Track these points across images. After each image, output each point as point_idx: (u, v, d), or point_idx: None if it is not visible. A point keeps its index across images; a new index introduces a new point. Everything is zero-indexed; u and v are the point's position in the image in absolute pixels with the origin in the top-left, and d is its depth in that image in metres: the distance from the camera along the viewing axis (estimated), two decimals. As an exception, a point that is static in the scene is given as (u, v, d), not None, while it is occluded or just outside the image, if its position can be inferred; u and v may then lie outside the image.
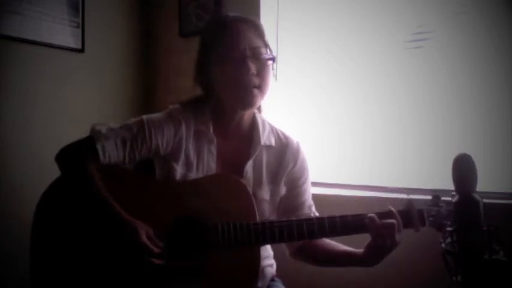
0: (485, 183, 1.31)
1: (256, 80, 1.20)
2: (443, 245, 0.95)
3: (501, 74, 1.72)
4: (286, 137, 1.35)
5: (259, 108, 1.34)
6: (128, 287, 1.15)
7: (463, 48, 1.81)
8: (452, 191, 0.97)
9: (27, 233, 1.19)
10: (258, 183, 1.27)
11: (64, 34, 2.33)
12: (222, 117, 1.28)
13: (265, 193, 1.27)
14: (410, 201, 1.16)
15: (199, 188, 1.20)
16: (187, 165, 1.24)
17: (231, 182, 1.21)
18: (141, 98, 2.73)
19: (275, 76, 1.27)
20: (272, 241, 1.19)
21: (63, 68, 2.35)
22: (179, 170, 1.22)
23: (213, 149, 1.25)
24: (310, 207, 1.35)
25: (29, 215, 1.20)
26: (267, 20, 2.21)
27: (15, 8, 2.14)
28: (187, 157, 1.24)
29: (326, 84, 2.18)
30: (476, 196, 0.92)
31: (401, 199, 1.19)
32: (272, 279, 1.37)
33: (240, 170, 1.26)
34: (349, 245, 1.25)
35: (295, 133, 1.38)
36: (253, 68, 1.19)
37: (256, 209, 1.18)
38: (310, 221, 1.18)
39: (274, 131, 1.35)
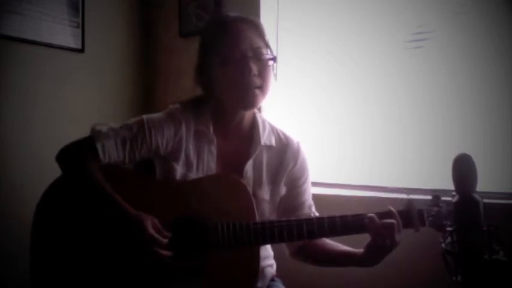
0: (485, 183, 1.31)
1: (257, 81, 1.20)
2: (443, 245, 0.95)
3: (501, 74, 1.72)
4: (286, 137, 1.35)
5: (259, 108, 1.34)
6: (128, 286, 1.15)
7: (463, 48, 1.81)
8: (452, 191, 0.97)
9: (27, 233, 1.19)
10: (258, 183, 1.27)
11: (64, 34, 2.33)
12: (223, 117, 1.28)
13: (265, 193, 1.27)
14: (410, 201, 1.16)
15: (199, 188, 1.20)
16: (188, 165, 1.24)
17: (231, 182, 1.21)
18: (141, 98, 2.73)
19: (275, 76, 1.27)
20: (272, 241, 1.19)
21: (63, 68, 2.35)
22: (179, 170, 1.22)
23: (213, 149, 1.25)
24: (310, 207, 1.35)
25: (29, 215, 1.20)
26: (267, 20, 2.21)
27: (15, 8, 2.14)
28: (187, 157, 1.24)
29: (326, 84, 2.18)
30: (476, 196, 0.92)
31: (401, 199, 1.19)
32: (272, 279, 1.37)
33: (240, 170, 1.26)
34: (349, 245, 1.25)
35: (295, 133, 1.38)
36: (254, 68, 1.19)
37: (256, 209, 1.18)
38: (310, 221, 1.18)
39: (274, 131, 1.35)
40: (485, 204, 0.92)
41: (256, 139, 1.28)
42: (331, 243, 1.29)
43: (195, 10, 2.52)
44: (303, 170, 1.34)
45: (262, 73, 1.21)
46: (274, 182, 1.30)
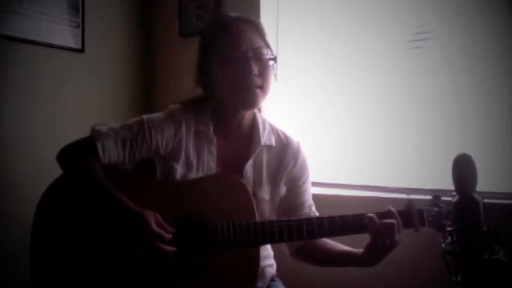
0: (485, 183, 1.30)
1: (258, 81, 1.20)
2: (443, 245, 0.95)
3: (501, 74, 1.72)
4: (286, 137, 1.35)
5: (259, 108, 1.34)
6: (128, 286, 1.15)
7: (463, 48, 1.81)
8: (452, 191, 0.97)
9: (27, 233, 1.19)
10: (258, 183, 1.27)
11: (64, 34, 2.33)
12: (223, 118, 1.28)
13: (265, 193, 1.27)
14: (410, 201, 1.16)
15: (199, 188, 1.20)
16: (188, 165, 1.24)
17: (230, 182, 1.21)
18: (141, 98, 2.73)
19: (275, 76, 1.27)
20: (272, 241, 1.19)
21: (63, 68, 2.35)
22: (179, 170, 1.23)
23: (213, 149, 1.25)
24: (310, 207, 1.35)
25: (29, 215, 1.20)
26: (267, 20, 2.21)
27: (15, 8, 2.14)
28: (187, 157, 1.24)
29: (326, 84, 2.18)
30: (476, 196, 0.92)
31: (401, 199, 1.19)
32: (272, 279, 1.37)
33: (240, 170, 1.26)
34: (349, 245, 1.25)
35: (295, 133, 1.38)
36: (255, 68, 1.19)
37: (255, 209, 1.18)
38: (310, 221, 1.18)
39: (274, 130, 1.35)
40: (485, 204, 0.92)
41: (256, 139, 1.28)
42: (331, 243, 1.29)
43: (195, 10, 2.52)
44: (303, 170, 1.34)
45: (263, 73, 1.21)
46: (274, 182, 1.30)
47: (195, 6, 2.52)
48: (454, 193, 0.96)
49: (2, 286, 2.04)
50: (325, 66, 2.18)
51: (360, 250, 1.18)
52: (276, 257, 1.40)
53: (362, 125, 2.07)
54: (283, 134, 1.36)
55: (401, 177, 1.93)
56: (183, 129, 1.24)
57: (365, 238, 1.15)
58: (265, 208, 1.27)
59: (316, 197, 1.39)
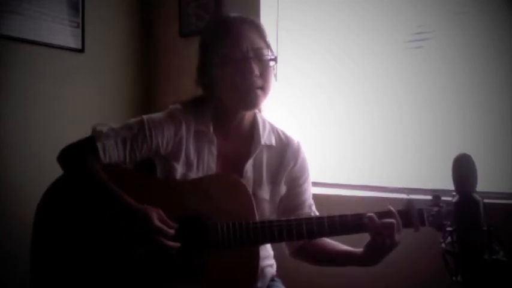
0: (485, 183, 1.31)
1: (259, 81, 1.20)
2: (443, 245, 0.95)
3: (501, 74, 1.72)
4: (286, 137, 1.35)
5: (259, 108, 1.34)
6: (128, 286, 1.15)
7: (463, 48, 1.81)
8: (452, 191, 0.97)
9: (27, 233, 1.19)
10: (258, 182, 1.27)
11: (64, 34, 2.34)
12: (223, 118, 1.28)
13: (265, 193, 1.27)
14: (410, 201, 1.16)
15: (200, 188, 1.20)
16: (188, 164, 1.24)
17: (231, 182, 1.21)
18: (141, 98, 2.73)
19: (275, 76, 1.27)
20: (271, 240, 1.19)
21: (63, 68, 2.35)
22: (179, 170, 1.23)
23: (213, 149, 1.26)
24: (310, 207, 1.35)
25: (29, 215, 1.21)
26: (267, 20, 2.21)
27: (15, 8, 2.14)
28: (187, 157, 1.24)
29: (326, 84, 2.18)
30: (476, 196, 0.92)
31: (401, 199, 1.19)
32: (272, 279, 1.37)
33: (240, 169, 1.26)
34: (349, 245, 1.25)
35: (295, 133, 1.38)
36: (256, 69, 1.19)
37: (255, 209, 1.18)
38: (310, 220, 1.18)
39: (274, 130, 1.35)
40: (485, 204, 0.92)
41: (256, 139, 1.28)
42: (331, 242, 1.29)
43: (195, 10, 2.52)
44: (303, 170, 1.34)
45: (264, 74, 1.21)
46: (274, 182, 1.30)
47: (195, 6, 2.52)
48: (454, 193, 0.96)
49: (2, 286, 2.04)
50: (325, 66, 2.18)
51: (360, 250, 1.18)
52: (276, 257, 1.40)
53: (362, 125, 2.07)
54: (284, 133, 1.36)
55: (401, 177, 1.93)
56: (183, 129, 1.24)
57: (365, 238, 1.15)
58: (265, 208, 1.27)
59: (316, 197, 1.39)
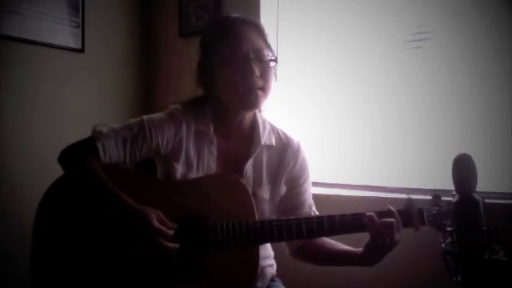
0: (485, 183, 1.30)
1: (259, 82, 1.20)
2: (443, 245, 0.95)
3: (501, 74, 1.72)
4: (286, 137, 1.35)
5: (259, 109, 1.34)
6: (129, 286, 1.15)
7: (463, 48, 1.81)
8: (452, 191, 0.97)
9: (27, 233, 1.19)
10: (258, 182, 1.27)
11: (64, 34, 2.34)
12: (224, 118, 1.28)
13: (265, 192, 1.28)
14: (410, 200, 1.16)
15: (200, 188, 1.20)
16: (188, 164, 1.24)
17: (230, 182, 1.21)
18: (141, 98, 2.73)
19: (275, 76, 1.27)
20: (271, 240, 1.19)
21: (63, 68, 2.35)
22: (179, 170, 1.23)
23: (214, 149, 1.26)
24: (310, 207, 1.35)
25: (29, 215, 1.21)
26: (267, 20, 2.21)
27: (15, 8, 2.14)
28: (187, 157, 1.24)
29: (326, 84, 2.18)
30: (476, 196, 0.92)
31: (401, 199, 1.19)
32: (272, 279, 1.37)
33: (240, 169, 1.26)
34: (349, 245, 1.25)
35: (295, 133, 1.38)
36: (256, 70, 1.19)
37: (255, 209, 1.18)
38: (309, 220, 1.18)
39: (274, 130, 1.35)
40: (485, 204, 0.92)
41: (256, 139, 1.28)
42: (331, 242, 1.29)
43: (195, 10, 2.52)
44: (303, 170, 1.34)
45: (264, 75, 1.21)
46: (274, 182, 1.30)
47: (195, 6, 2.52)
48: (454, 193, 0.96)
49: (2, 286, 2.04)
50: (325, 66, 2.18)
51: (360, 249, 1.18)
52: (276, 257, 1.40)
53: (362, 125, 2.07)
54: (284, 133, 1.36)
55: (401, 177, 1.93)
56: (184, 129, 1.24)
57: (365, 237, 1.15)
58: (265, 208, 1.27)
59: (316, 197, 1.39)
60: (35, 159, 2.16)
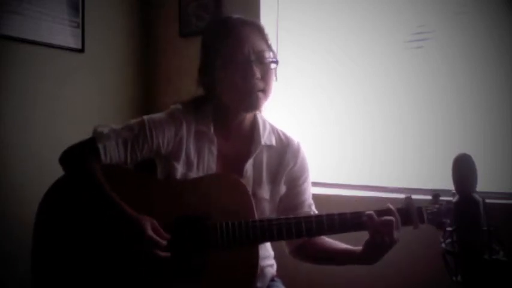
0: (485, 183, 1.31)
1: (260, 84, 1.20)
2: (443, 245, 0.95)
3: (501, 74, 1.72)
4: (286, 137, 1.35)
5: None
6: (129, 286, 1.15)
7: (463, 48, 1.81)
8: (452, 191, 0.97)
9: (27, 233, 1.19)
10: (258, 182, 1.27)
11: (64, 34, 2.34)
12: (224, 118, 1.28)
13: (265, 192, 1.28)
14: (409, 198, 1.16)
15: (200, 188, 1.20)
16: (188, 164, 1.24)
17: (230, 182, 1.21)
18: (141, 98, 2.73)
19: (275, 76, 1.27)
20: (271, 239, 1.20)
21: (63, 68, 2.35)
22: (180, 169, 1.23)
23: (214, 149, 1.26)
24: (310, 206, 1.35)
25: (29, 215, 1.21)
26: (267, 20, 2.21)
27: (15, 8, 2.14)
28: (187, 156, 1.24)
29: (326, 84, 2.18)
30: (476, 196, 0.93)
31: (401, 199, 1.19)
32: (272, 279, 1.37)
33: (240, 169, 1.26)
34: (349, 243, 1.25)
35: (295, 133, 1.39)
36: (257, 72, 1.19)
37: (255, 209, 1.18)
38: (309, 218, 1.18)
39: (274, 131, 1.35)
40: (485, 204, 0.92)
41: (256, 139, 1.29)
42: (331, 241, 1.29)
43: (195, 10, 2.52)
44: (303, 170, 1.34)
45: (265, 76, 1.21)
46: (274, 182, 1.30)
47: (195, 7, 2.52)
48: (454, 193, 0.96)
49: (2, 286, 2.04)
50: (325, 66, 2.18)
51: (359, 248, 1.18)
52: (276, 257, 1.40)
53: (362, 125, 2.07)
54: (284, 134, 1.36)
55: (401, 177, 1.93)
56: (184, 129, 1.24)
57: (365, 236, 1.15)
58: (265, 207, 1.27)
59: (316, 197, 1.39)
60: (35, 159, 2.16)
